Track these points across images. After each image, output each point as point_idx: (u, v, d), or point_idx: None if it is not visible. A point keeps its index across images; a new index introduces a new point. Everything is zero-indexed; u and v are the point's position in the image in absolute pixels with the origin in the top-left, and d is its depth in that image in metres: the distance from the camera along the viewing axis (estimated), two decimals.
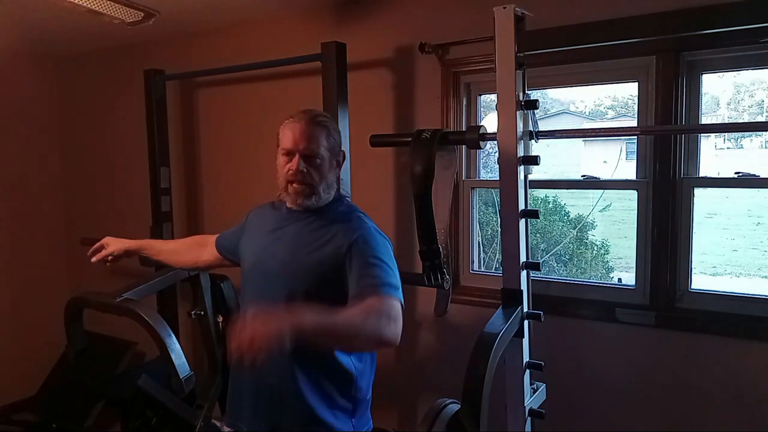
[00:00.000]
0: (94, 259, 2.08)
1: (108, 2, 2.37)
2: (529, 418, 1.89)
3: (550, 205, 3.00)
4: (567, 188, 2.65)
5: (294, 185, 1.54)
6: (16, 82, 3.66)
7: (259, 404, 1.57)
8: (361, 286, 1.44)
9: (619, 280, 2.60)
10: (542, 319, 1.86)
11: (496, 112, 1.81)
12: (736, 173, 2.04)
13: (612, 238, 2.85)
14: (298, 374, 1.51)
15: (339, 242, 1.50)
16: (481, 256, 2.63)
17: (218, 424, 1.89)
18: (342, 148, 1.63)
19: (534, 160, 1.82)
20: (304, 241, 1.55)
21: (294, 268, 1.53)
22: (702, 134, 2.14)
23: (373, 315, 1.37)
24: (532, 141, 1.86)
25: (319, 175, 1.54)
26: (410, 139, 1.89)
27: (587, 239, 2.92)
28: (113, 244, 2.07)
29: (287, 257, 1.56)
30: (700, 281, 2.15)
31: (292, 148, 1.52)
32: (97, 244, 2.09)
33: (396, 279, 1.50)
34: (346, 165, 2.31)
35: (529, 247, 1.89)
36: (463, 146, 2.19)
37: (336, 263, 1.49)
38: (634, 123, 2.24)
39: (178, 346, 2.08)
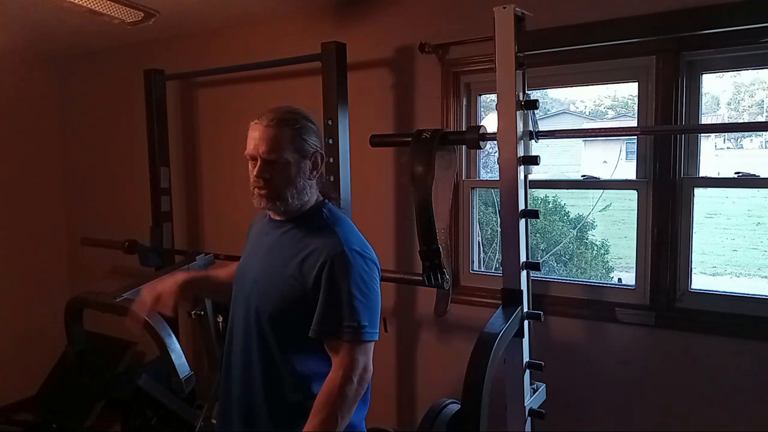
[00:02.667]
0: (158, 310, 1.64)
1: (108, 2, 2.37)
2: (529, 418, 1.89)
3: (550, 205, 3.00)
4: (567, 188, 2.65)
5: (257, 191, 1.45)
6: (16, 81, 3.66)
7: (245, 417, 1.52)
8: (330, 327, 1.37)
9: (619, 280, 2.60)
10: (542, 319, 1.86)
11: (496, 112, 1.81)
12: (736, 173, 2.04)
13: (612, 238, 2.85)
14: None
15: (311, 261, 1.40)
16: (481, 256, 2.63)
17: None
18: (318, 149, 1.48)
19: (534, 160, 1.82)
20: (277, 256, 1.47)
21: (264, 288, 1.46)
22: (702, 134, 2.14)
23: (333, 405, 1.33)
24: (532, 141, 1.86)
25: (284, 181, 1.43)
26: (410, 139, 1.89)
27: (587, 239, 2.92)
28: (167, 287, 1.61)
29: (258, 275, 1.49)
30: (700, 281, 2.15)
31: (253, 152, 1.43)
32: (150, 299, 1.60)
33: (370, 313, 1.39)
34: (346, 165, 2.33)
35: (529, 247, 1.89)
36: (463, 146, 2.19)
37: (304, 285, 1.40)
38: (634, 123, 2.23)
39: (178, 346, 2.08)
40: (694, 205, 2.09)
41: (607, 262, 2.90)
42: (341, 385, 1.34)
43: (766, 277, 2.49)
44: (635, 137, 2.26)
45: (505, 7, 1.75)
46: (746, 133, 2.69)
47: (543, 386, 1.98)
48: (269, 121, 1.43)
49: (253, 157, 1.44)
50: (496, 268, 2.63)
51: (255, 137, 1.43)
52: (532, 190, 2.14)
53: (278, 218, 1.52)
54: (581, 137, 2.73)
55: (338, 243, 1.41)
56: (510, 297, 1.83)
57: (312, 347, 1.41)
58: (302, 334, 1.40)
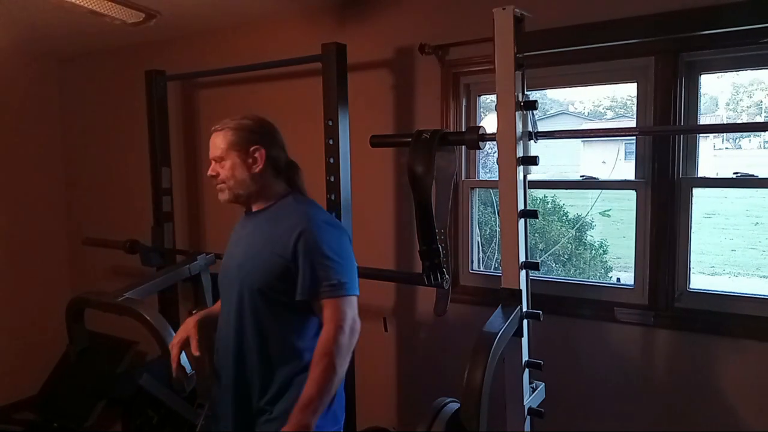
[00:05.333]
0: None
1: (109, 3, 2.38)
2: (528, 417, 1.89)
3: (549, 205, 3.01)
4: (566, 188, 2.66)
5: (216, 187, 1.70)
6: (17, 82, 3.67)
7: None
8: (313, 288, 1.55)
9: (618, 279, 2.61)
10: (541, 319, 1.86)
11: (495, 112, 1.82)
12: (734, 173, 2.05)
13: (611, 238, 2.87)
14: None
15: (285, 238, 1.57)
16: (481, 255, 2.63)
17: None
18: (258, 145, 1.65)
19: (533, 161, 1.82)
20: (256, 241, 1.65)
21: (247, 268, 1.63)
22: (700, 134, 2.15)
23: (330, 355, 1.49)
24: (531, 141, 1.87)
25: (227, 175, 1.66)
26: (410, 139, 1.90)
27: (586, 239, 2.93)
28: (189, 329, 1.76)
29: (242, 259, 1.67)
30: (698, 281, 2.16)
31: (210, 156, 1.70)
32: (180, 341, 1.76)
33: (346, 271, 1.58)
34: (346, 165, 2.34)
35: (528, 247, 1.90)
36: (463, 147, 2.20)
37: (284, 260, 1.57)
38: (632, 123, 2.24)
39: None
40: (693, 205, 2.09)
41: (606, 261, 2.91)
42: (334, 335, 1.50)
43: (764, 276, 2.50)
44: (634, 137, 2.27)
45: (504, 8, 1.75)
46: (745, 134, 2.70)
47: (542, 385, 1.99)
48: (216, 127, 1.70)
49: (211, 159, 1.70)
50: (495, 268, 2.64)
51: (210, 144, 1.71)
52: (531, 190, 2.15)
53: (252, 211, 1.72)
54: (580, 138, 2.74)
55: (307, 218, 1.61)
56: (509, 296, 1.83)
57: (302, 319, 1.61)
58: (291, 304, 1.58)
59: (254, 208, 1.71)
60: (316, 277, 1.54)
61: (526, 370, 1.88)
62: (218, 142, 1.67)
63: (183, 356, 1.77)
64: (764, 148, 2.72)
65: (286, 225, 1.60)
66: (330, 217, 1.68)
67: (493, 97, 1.86)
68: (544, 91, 2.61)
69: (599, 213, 2.70)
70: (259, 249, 1.63)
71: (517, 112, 1.78)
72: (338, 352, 1.49)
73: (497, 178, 1.83)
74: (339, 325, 1.52)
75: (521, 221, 1.83)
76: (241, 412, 1.65)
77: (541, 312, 1.86)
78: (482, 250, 2.66)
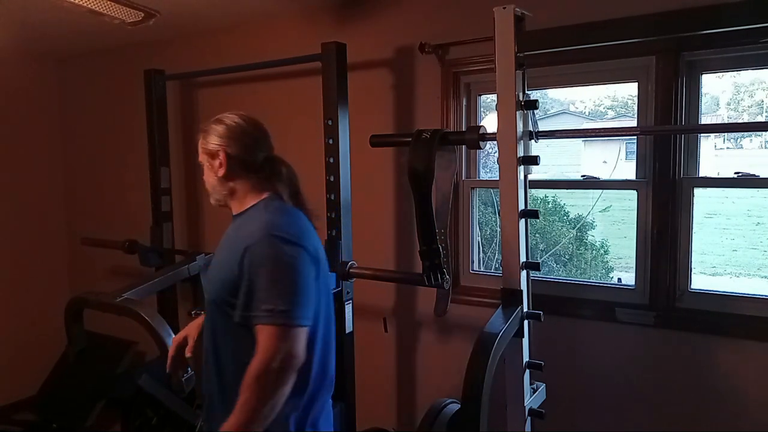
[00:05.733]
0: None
1: (108, 2, 2.37)
2: (528, 418, 1.89)
3: (550, 205, 3.00)
4: (566, 188, 2.65)
5: None
6: (16, 81, 3.66)
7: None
8: (246, 311, 1.40)
9: (619, 280, 2.60)
10: (542, 319, 1.86)
11: (495, 112, 1.81)
12: (735, 173, 2.04)
13: (612, 238, 2.86)
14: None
15: (237, 250, 1.44)
16: (481, 256, 2.63)
17: None
18: (220, 147, 1.53)
19: (534, 160, 1.82)
20: (223, 249, 1.56)
21: (210, 277, 1.56)
22: (702, 134, 2.14)
23: (251, 390, 1.34)
24: (532, 141, 1.86)
25: (206, 180, 1.61)
26: (410, 139, 1.89)
27: (587, 239, 2.93)
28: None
29: (212, 266, 1.59)
30: (699, 281, 2.15)
31: None
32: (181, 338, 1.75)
33: (289, 297, 1.38)
34: (346, 165, 2.33)
35: (529, 247, 1.89)
36: (463, 146, 2.19)
37: (233, 274, 1.43)
38: (633, 123, 2.24)
39: None
40: (694, 205, 2.09)
41: (607, 262, 2.90)
42: (257, 371, 1.34)
43: (765, 277, 2.50)
44: (635, 137, 2.27)
45: (504, 8, 1.75)
46: (746, 133, 2.69)
47: (543, 386, 1.98)
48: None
49: None
50: (495, 268, 2.63)
51: None
52: (532, 190, 2.14)
53: (234, 215, 1.61)
54: (581, 137, 2.73)
55: (261, 229, 1.44)
56: (510, 297, 1.83)
57: (252, 335, 1.40)
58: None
59: (233, 212, 1.60)
60: (253, 299, 1.38)
61: (527, 370, 1.88)
62: (198, 147, 1.61)
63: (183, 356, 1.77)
64: (765, 147, 2.72)
65: (243, 235, 1.46)
66: (292, 229, 1.47)
67: (494, 97, 1.86)
68: (544, 90, 2.60)
69: (600, 211, 2.69)
70: (220, 258, 1.54)
71: (517, 112, 1.78)
72: (259, 390, 1.33)
73: (498, 178, 1.83)
74: (264, 360, 1.34)
75: (522, 221, 1.83)
76: (216, 423, 1.52)
77: (541, 312, 1.86)
78: (483, 250, 2.66)
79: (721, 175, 2.17)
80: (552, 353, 2.03)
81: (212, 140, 1.55)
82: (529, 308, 1.88)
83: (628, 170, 2.27)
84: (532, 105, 1.79)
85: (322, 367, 1.53)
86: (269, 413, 1.35)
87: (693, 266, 2.12)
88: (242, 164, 1.55)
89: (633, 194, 2.19)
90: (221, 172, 1.55)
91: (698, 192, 2.09)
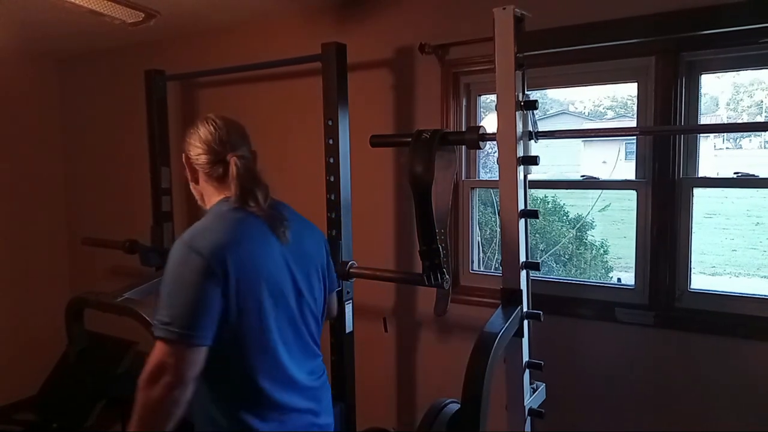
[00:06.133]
0: None
1: (109, 3, 2.37)
2: (528, 418, 1.89)
3: (550, 205, 3.00)
4: (566, 188, 2.65)
5: None
6: (16, 82, 3.66)
7: None
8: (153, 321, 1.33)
9: (619, 279, 2.61)
10: (542, 319, 1.86)
11: (495, 112, 1.82)
12: (735, 173, 2.04)
13: (611, 238, 2.86)
14: None
15: None
16: (481, 256, 2.63)
17: None
18: (190, 155, 1.49)
19: (533, 161, 1.82)
20: None
21: None
22: (701, 134, 2.14)
23: (137, 399, 1.29)
24: (532, 141, 1.86)
25: None
26: (410, 139, 1.89)
27: (586, 239, 2.93)
28: None
29: None
30: (699, 281, 2.15)
31: None
32: None
33: (169, 308, 1.28)
34: (346, 165, 2.33)
35: (529, 247, 1.90)
36: (463, 146, 2.19)
37: None
38: (633, 123, 2.24)
39: None
40: (694, 205, 2.09)
41: (607, 262, 2.91)
42: (138, 385, 1.29)
43: (765, 276, 2.50)
44: (634, 137, 2.27)
45: (504, 8, 1.75)
46: (745, 134, 2.70)
47: (543, 386, 1.98)
48: None
49: None
50: (495, 268, 2.63)
51: None
52: (532, 190, 2.14)
53: None
54: (580, 137, 2.73)
55: (181, 236, 1.37)
56: (509, 297, 1.83)
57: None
58: None
59: None
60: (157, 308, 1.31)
61: (527, 370, 1.88)
62: None
63: None
64: (765, 148, 2.72)
65: None
66: (200, 237, 1.34)
67: (494, 97, 1.86)
68: (544, 90, 2.61)
69: (599, 211, 2.69)
70: None
71: (517, 112, 1.78)
72: (138, 405, 1.27)
73: (497, 178, 1.83)
74: (144, 375, 1.28)
75: (522, 221, 1.83)
76: None
77: (541, 312, 1.86)
78: (482, 250, 2.66)
79: (721, 175, 2.17)
80: (552, 353, 2.03)
81: (190, 149, 1.51)
82: (528, 308, 1.88)
83: (627, 170, 2.28)
84: (532, 105, 1.80)
85: (251, 382, 1.38)
86: (149, 421, 1.28)
87: (692, 266, 2.12)
88: (202, 168, 1.49)
89: (632, 194, 2.19)
90: (188, 177, 1.54)
91: (698, 192, 2.09)
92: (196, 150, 1.49)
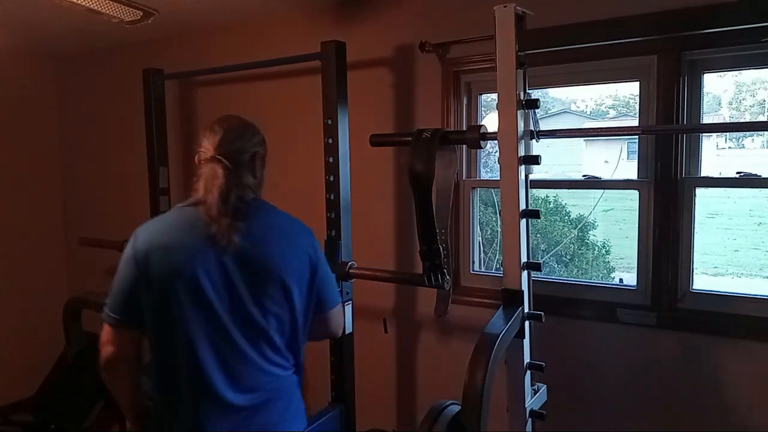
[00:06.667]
0: None
1: (107, 1, 2.36)
2: (530, 420, 1.88)
3: (551, 205, 2.99)
4: (568, 188, 2.64)
5: None
6: (15, 81, 3.65)
7: None
8: None
9: (621, 280, 2.60)
10: (543, 320, 1.85)
11: (496, 111, 1.80)
12: (737, 173, 2.03)
13: (613, 239, 2.85)
14: None
15: None
16: (482, 256, 2.62)
17: None
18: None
19: (535, 160, 1.81)
20: None
21: None
22: (703, 134, 2.13)
23: None
24: (533, 140, 1.85)
25: None
26: (410, 138, 1.88)
27: (588, 239, 2.92)
28: None
29: None
30: (701, 281, 2.14)
31: None
32: None
33: (110, 294, 1.50)
34: (346, 165, 2.32)
35: (530, 248, 1.88)
36: (464, 146, 2.18)
37: None
38: (635, 122, 2.23)
39: None
40: (696, 205, 2.07)
41: (608, 262, 2.90)
42: None
43: (767, 277, 2.49)
44: (636, 137, 2.26)
45: (505, 6, 1.74)
46: (748, 133, 2.68)
47: (544, 387, 1.97)
48: None
49: None
50: (496, 269, 2.62)
51: None
52: (533, 189, 2.13)
53: None
54: (582, 137, 2.72)
55: None
56: (511, 297, 1.81)
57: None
58: None
59: None
60: None
61: (528, 371, 1.87)
62: None
63: None
64: (767, 147, 2.71)
65: None
66: (141, 229, 1.50)
67: (495, 96, 1.85)
68: (545, 89, 2.59)
69: (601, 211, 2.68)
70: None
71: (518, 111, 1.76)
72: None
73: (498, 178, 1.81)
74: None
75: (523, 221, 1.82)
76: None
77: (542, 313, 1.85)
78: (483, 250, 2.65)
79: (723, 175, 2.16)
80: (553, 354, 2.02)
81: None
82: (530, 309, 1.87)
83: (629, 170, 2.27)
84: (533, 104, 1.78)
85: (172, 373, 1.45)
86: (117, 397, 1.60)
87: (695, 266, 2.10)
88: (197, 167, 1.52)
89: (635, 194, 2.18)
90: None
91: (700, 192, 2.08)
92: (199, 152, 1.53)
